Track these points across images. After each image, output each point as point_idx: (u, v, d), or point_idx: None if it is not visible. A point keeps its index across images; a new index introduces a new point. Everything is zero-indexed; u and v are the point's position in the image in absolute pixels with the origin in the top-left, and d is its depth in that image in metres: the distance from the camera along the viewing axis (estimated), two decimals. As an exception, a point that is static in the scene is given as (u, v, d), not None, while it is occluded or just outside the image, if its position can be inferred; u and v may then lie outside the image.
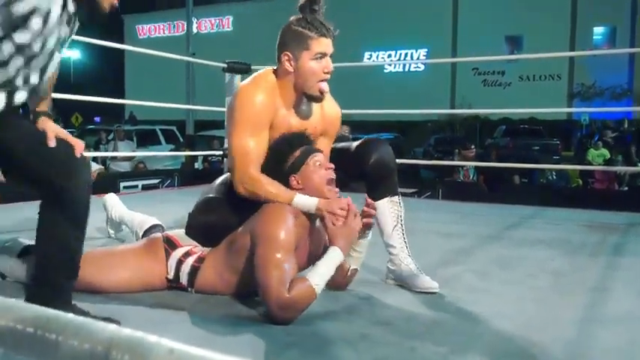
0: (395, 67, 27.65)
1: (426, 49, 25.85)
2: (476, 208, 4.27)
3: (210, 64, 5.11)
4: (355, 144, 2.02)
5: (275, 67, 1.88)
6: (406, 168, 10.08)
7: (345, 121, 7.71)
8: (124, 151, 8.81)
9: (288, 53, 1.80)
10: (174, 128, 13.15)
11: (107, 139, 10.56)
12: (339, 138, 2.11)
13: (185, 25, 13.77)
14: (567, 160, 13.56)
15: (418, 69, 27.52)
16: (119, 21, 35.22)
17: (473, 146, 6.99)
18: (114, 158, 8.72)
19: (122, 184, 5.41)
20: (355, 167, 1.97)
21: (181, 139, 12.13)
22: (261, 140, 1.80)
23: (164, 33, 32.94)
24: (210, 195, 1.92)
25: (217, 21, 31.58)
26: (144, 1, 32.86)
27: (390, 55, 27.06)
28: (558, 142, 16.25)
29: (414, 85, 25.60)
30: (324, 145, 1.97)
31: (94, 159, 8.44)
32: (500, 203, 4.43)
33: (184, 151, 8.58)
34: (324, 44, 1.79)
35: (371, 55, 27.02)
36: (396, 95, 23.27)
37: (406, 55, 26.79)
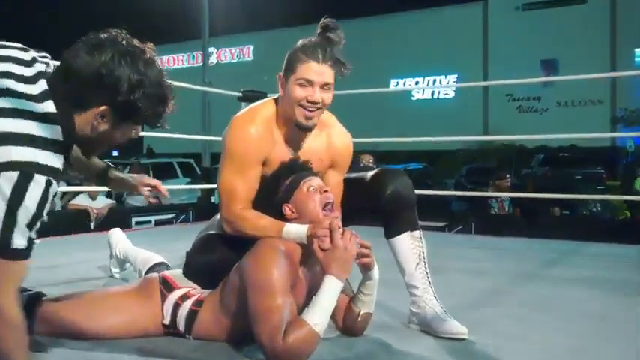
0: (423, 94, 27.73)
1: (456, 75, 25.89)
2: (511, 243, 4.21)
3: (225, 93, 5.15)
4: (370, 174, 1.97)
5: (276, 96, 1.86)
6: (436, 200, 9.94)
7: (370, 151, 7.69)
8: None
9: (282, 75, 1.79)
10: (191, 161, 13.30)
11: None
12: (362, 169, 2.07)
13: (207, 56, 14.04)
14: (613, 190, 13.25)
15: (447, 96, 27.53)
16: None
17: (508, 176, 6.87)
18: (130, 192, 8.80)
19: (134, 220, 5.45)
20: (370, 199, 1.92)
21: (199, 172, 12.24)
22: (251, 178, 1.77)
23: (183, 64, 33.76)
24: (210, 232, 1.89)
25: (238, 51, 32.35)
26: (162, 33, 33.79)
27: (417, 82, 27.17)
28: (602, 170, 15.89)
29: (444, 112, 25.59)
30: (334, 179, 1.93)
31: (108, 194, 8.54)
32: (538, 238, 4.35)
33: (201, 184, 8.61)
34: (313, 70, 1.72)
35: (397, 83, 27.18)
36: (424, 124, 23.13)
37: (434, 81, 26.86)
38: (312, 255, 1.64)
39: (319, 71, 1.73)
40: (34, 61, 1.27)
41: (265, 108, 1.83)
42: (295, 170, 1.75)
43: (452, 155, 21.65)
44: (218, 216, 1.93)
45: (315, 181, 1.72)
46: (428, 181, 11.32)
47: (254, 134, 1.76)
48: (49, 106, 1.22)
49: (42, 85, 1.23)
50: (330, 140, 1.89)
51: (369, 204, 1.93)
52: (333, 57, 1.75)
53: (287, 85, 1.76)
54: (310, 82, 1.72)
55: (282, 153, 1.80)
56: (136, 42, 1.32)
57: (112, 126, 1.29)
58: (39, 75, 1.25)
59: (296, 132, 1.81)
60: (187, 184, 10.58)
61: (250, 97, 4.63)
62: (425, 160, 19.77)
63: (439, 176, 15.27)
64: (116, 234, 2.55)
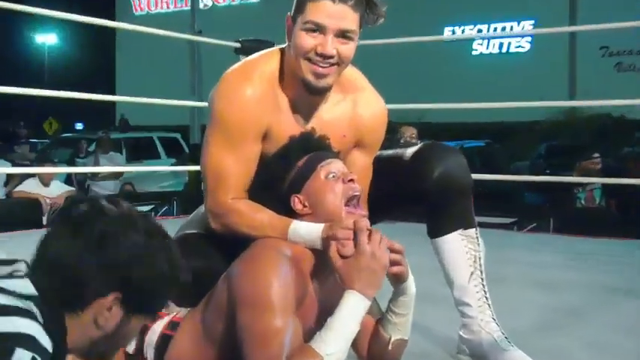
0: (488, 47, 27.52)
1: (532, 22, 25.63)
2: (601, 245, 4.21)
3: (220, 44, 5.16)
4: (410, 151, 1.97)
5: (284, 46, 1.83)
6: (502, 189, 9.82)
7: (414, 123, 7.65)
8: (106, 167, 8.98)
9: (289, 16, 1.76)
10: (177, 136, 13.42)
11: (87, 150, 10.82)
12: (401, 146, 2.06)
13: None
14: None
15: (521, 49, 27.28)
16: (109, -8, 36.60)
17: (597, 155, 6.80)
18: (93, 176, 8.92)
19: (100, 213, 5.50)
20: (410, 186, 1.91)
21: (187, 150, 12.36)
22: (247, 156, 1.75)
23: (168, 7, 33.93)
24: (188, 231, 1.89)
25: (241, -12, 32.38)
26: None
27: (480, 31, 27.01)
28: None
29: (516, 72, 25.38)
30: (360, 161, 1.92)
31: (67, 178, 8.66)
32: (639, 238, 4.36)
33: (190, 166, 8.67)
34: (325, 11, 1.67)
35: (453, 31, 27.03)
36: (488, 87, 23.02)
37: (503, 29, 26.63)
38: (327, 263, 1.64)
39: (335, 13, 1.67)
40: None
41: (267, 62, 1.81)
42: (309, 148, 1.73)
43: (526, 129, 21.42)
44: (202, 208, 1.93)
45: (336, 166, 1.70)
46: (491, 164, 11.21)
47: (251, 97, 1.74)
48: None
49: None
50: (356, 109, 1.87)
51: (408, 192, 1.92)
52: None
53: (293, 30, 1.73)
54: (322, 28, 1.69)
55: (288, 124, 1.78)
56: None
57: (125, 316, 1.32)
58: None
59: (307, 96, 1.78)
60: (172, 165, 10.68)
61: (252, 48, 4.61)
62: (488, 135, 19.64)
63: (508, 157, 15.15)
64: None
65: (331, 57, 1.70)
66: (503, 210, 5.53)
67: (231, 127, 1.74)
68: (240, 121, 1.73)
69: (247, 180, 1.76)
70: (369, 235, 1.55)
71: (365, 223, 1.58)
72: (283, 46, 1.82)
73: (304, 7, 1.69)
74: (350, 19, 1.70)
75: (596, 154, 6.81)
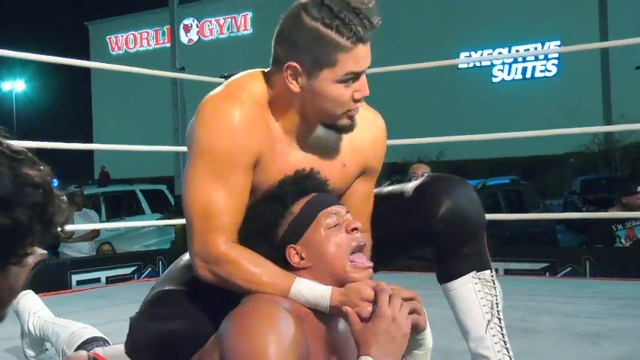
0: (509, 73, 27.64)
1: (558, 42, 25.77)
2: None
3: (204, 81, 5.21)
4: (412, 185, 1.95)
5: (265, 70, 1.82)
6: (531, 230, 9.79)
7: (432, 161, 7.60)
8: (79, 226, 8.95)
9: (296, 65, 1.70)
10: (163, 188, 13.45)
11: (60, 208, 10.78)
12: (406, 179, 2.04)
13: (177, 31, 14.29)
14: None
15: (548, 74, 27.42)
16: (82, 31, 37.07)
17: (640, 189, 6.77)
18: (65, 238, 8.88)
19: (75, 278, 5.48)
20: (414, 225, 1.89)
21: (173, 204, 12.35)
22: (238, 190, 1.72)
23: (148, 45, 34.33)
24: (166, 287, 1.87)
25: (229, 21, 32.65)
26: (117, 1, 34.39)
27: (500, 55, 27.10)
28: None
29: (543, 99, 25.46)
30: (362, 188, 1.91)
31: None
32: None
33: (176, 219, 8.67)
34: (361, 56, 1.69)
35: (470, 56, 27.16)
36: (513, 117, 23.11)
37: (526, 52, 26.74)
38: (335, 327, 1.62)
39: (366, 54, 1.70)
40: None
41: (253, 82, 1.78)
42: (305, 189, 1.71)
43: (557, 162, 21.46)
44: (180, 261, 1.92)
45: (338, 213, 1.69)
46: (518, 203, 11.19)
47: (240, 120, 1.71)
48: None
49: None
50: (356, 132, 1.84)
51: (413, 233, 1.90)
52: (372, 18, 1.70)
53: (315, 82, 1.71)
54: (359, 74, 1.71)
55: (282, 153, 1.77)
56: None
57: None
58: None
59: (307, 128, 1.79)
60: (158, 220, 10.69)
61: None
62: (516, 170, 19.65)
63: (537, 195, 15.10)
64: (27, 300, 2.54)
65: (366, 96, 1.74)
66: (532, 254, 5.48)
67: (219, 156, 1.70)
68: (229, 148, 1.70)
69: (240, 217, 1.72)
70: (390, 297, 1.55)
71: (387, 288, 1.57)
72: (257, 71, 1.82)
73: (336, 60, 1.67)
74: (370, 54, 1.73)
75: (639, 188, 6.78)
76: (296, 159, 1.78)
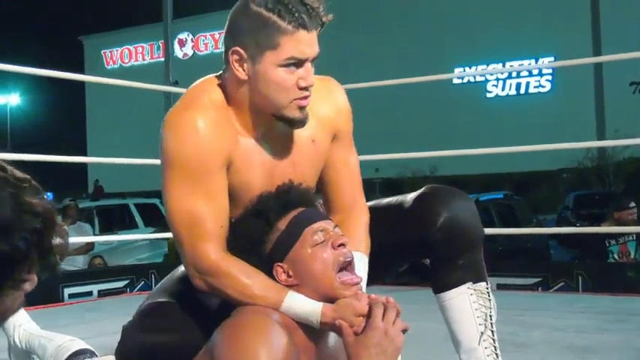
0: (503, 89, 27.70)
1: (552, 58, 25.86)
2: (638, 304, 4.19)
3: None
4: (411, 196, 1.97)
5: (219, 74, 1.84)
6: (524, 245, 9.78)
7: (425, 177, 7.61)
8: (74, 239, 8.95)
9: (241, 50, 1.73)
10: (156, 201, 13.39)
11: (53, 222, 10.78)
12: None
13: (172, 45, 14.30)
14: None
15: (542, 89, 27.48)
16: (77, 45, 37.09)
17: (634, 205, 6.78)
18: (60, 251, 8.90)
19: (67, 291, 5.46)
20: (411, 235, 1.91)
21: (167, 217, 12.33)
22: (215, 192, 1.73)
23: (143, 60, 34.38)
24: (160, 299, 1.86)
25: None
26: (113, 14, 34.41)
27: (494, 70, 27.18)
28: None
29: (537, 114, 25.50)
30: (339, 157, 1.92)
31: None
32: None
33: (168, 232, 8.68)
34: (304, 41, 1.70)
35: (464, 71, 27.19)
36: (506, 132, 23.10)
37: (520, 68, 26.80)
38: (324, 342, 1.61)
39: (310, 41, 1.71)
40: None
41: (210, 88, 1.81)
42: (288, 204, 1.71)
43: (551, 178, 21.47)
44: (180, 269, 1.92)
45: (324, 229, 1.68)
46: (511, 218, 11.20)
47: (204, 126, 1.73)
48: None
49: None
50: (312, 105, 1.81)
51: (410, 243, 1.92)
52: (319, 11, 1.72)
53: (257, 65, 1.73)
54: (302, 62, 1.72)
55: (251, 150, 1.79)
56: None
57: None
58: None
59: (260, 114, 1.79)
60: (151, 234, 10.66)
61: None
62: (509, 186, 19.70)
63: (530, 210, 15.18)
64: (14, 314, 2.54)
65: (311, 86, 1.73)
66: (525, 269, 5.47)
67: (190, 164, 1.72)
68: (198, 154, 1.72)
69: (224, 219, 1.74)
70: (384, 311, 1.55)
71: (380, 300, 1.57)
72: (212, 76, 1.85)
73: (277, 43, 1.69)
74: (317, 42, 1.74)
75: (632, 204, 6.79)
76: (266, 153, 1.81)
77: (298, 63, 1.71)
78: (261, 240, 1.68)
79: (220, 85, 1.81)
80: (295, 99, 1.73)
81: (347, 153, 1.95)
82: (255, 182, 1.78)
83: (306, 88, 1.73)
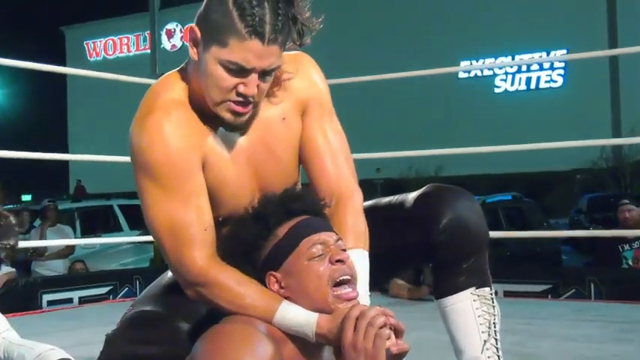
0: (513, 83, 27.70)
1: (564, 51, 25.88)
2: None
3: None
4: (413, 195, 1.97)
5: (182, 66, 1.84)
6: (534, 250, 9.77)
7: (430, 177, 7.63)
8: (53, 242, 8.93)
9: (197, 31, 1.73)
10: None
11: (31, 224, 10.77)
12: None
13: (157, 36, 14.29)
14: None
15: (553, 84, 27.48)
16: (58, 36, 37.04)
17: (625, 201, 6.86)
18: (38, 255, 8.86)
19: (45, 298, 5.47)
20: (413, 237, 1.91)
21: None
22: (192, 195, 1.73)
23: (128, 51, 34.35)
24: (146, 307, 1.87)
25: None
26: (96, 3, 34.35)
27: (503, 63, 27.16)
28: None
29: (548, 111, 25.51)
30: (317, 128, 1.88)
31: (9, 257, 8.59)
32: None
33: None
34: (254, 52, 1.66)
35: (471, 64, 27.19)
36: (516, 129, 23.16)
37: (530, 61, 26.77)
38: (317, 354, 1.62)
39: (264, 54, 1.67)
40: None
41: (170, 86, 1.81)
42: (293, 210, 1.69)
43: (563, 179, 21.48)
44: (168, 275, 1.92)
45: (324, 242, 1.66)
46: (520, 221, 11.18)
47: (170, 126, 1.74)
48: None
49: None
50: (284, 83, 1.84)
51: (412, 246, 1.92)
52: (286, 26, 1.69)
53: (205, 54, 1.72)
54: (245, 72, 1.69)
55: (224, 144, 1.79)
56: None
57: None
58: None
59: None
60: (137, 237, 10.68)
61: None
62: (519, 187, 19.69)
63: (541, 212, 15.18)
64: None
65: (252, 97, 1.71)
66: (534, 275, 5.47)
67: (163, 170, 1.73)
68: (169, 159, 1.73)
69: (207, 221, 1.74)
70: (357, 322, 1.53)
71: (358, 307, 1.57)
72: (177, 68, 1.85)
73: (226, 41, 1.67)
74: (276, 56, 1.70)
75: (625, 200, 6.83)
76: (237, 142, 1.80)
77: (241, 70, 1.69)
78: (256, 245, 1.68)
79: (183, 78, 1.81)
80: (229, 100, 1.72)
81: (324, 127, 1.91)
82: (230, 175, 1.79)
83: (243, 97, 1.71)
